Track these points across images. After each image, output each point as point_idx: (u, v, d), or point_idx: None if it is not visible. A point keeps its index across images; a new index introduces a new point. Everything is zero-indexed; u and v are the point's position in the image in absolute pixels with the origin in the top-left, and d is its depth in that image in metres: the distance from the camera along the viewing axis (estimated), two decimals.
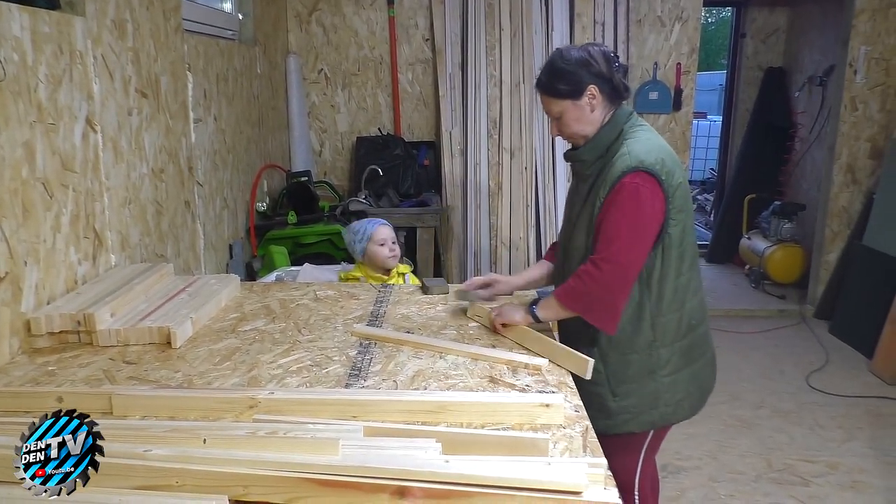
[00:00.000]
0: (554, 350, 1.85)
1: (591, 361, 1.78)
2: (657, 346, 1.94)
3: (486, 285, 2.29)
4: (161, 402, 1.52)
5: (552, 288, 2.08)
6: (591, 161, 1.97)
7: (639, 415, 1.98)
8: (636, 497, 2.11)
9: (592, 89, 1.91)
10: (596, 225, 1.89)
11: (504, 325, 2.01)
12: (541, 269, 2.29)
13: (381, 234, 2.78)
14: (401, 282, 2.81)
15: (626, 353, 1.95)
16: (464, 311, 2.21)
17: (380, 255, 2.78)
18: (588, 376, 1.78)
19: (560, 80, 1.92)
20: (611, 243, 1.83)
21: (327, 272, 3.15)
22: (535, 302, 1.99)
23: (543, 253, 5.05)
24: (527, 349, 1.92)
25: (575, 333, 1.99)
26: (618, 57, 1.97)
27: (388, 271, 2.81)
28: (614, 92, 1.95)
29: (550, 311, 1.96)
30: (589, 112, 1.93)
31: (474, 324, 2.13)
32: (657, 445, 2.11)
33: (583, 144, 1.98)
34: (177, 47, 2.86)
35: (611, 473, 1.24)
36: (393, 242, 2.80)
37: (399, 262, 2.86)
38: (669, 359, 1.96)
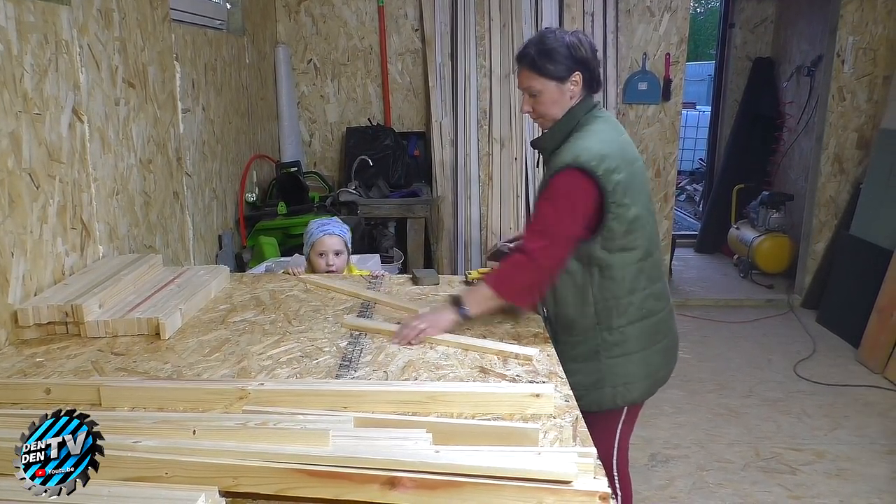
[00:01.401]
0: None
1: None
2: (601, 328, 1.99)
3: (514, 240, 2.29)
4: (150, 394, 1.51)
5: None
6: (549, 149, 2.01)
7: (586, 393, 1.98)
8: (615, 475, 2.14)
9: (577, 76, 1.94)
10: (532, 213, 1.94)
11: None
12: None
13: (321, 245, 2.67)
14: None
15: (572, 333, 2.01)
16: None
17: (316, 266, 2.68)
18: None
19: (550, 59, 1.93)
20: (533, 236, 1.92)
21: None
22: (457, 302, 1.95)
23: None
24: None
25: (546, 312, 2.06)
26: (595, 48, 2.02)
27: None
28: (592, 83, 1.99)
29: (480, 304, 1.95)
30: (568, 98, 1.97)
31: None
32: (629, 430, 2.14)
33: (546, 132, 2.02)
34: (164, 37, 2.83)
35: (600, 462, 1.24)
36: (336, 254, 2.67)
37: (346, 267, 2.76)
38: (615, 342, 2.00)
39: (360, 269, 2.88)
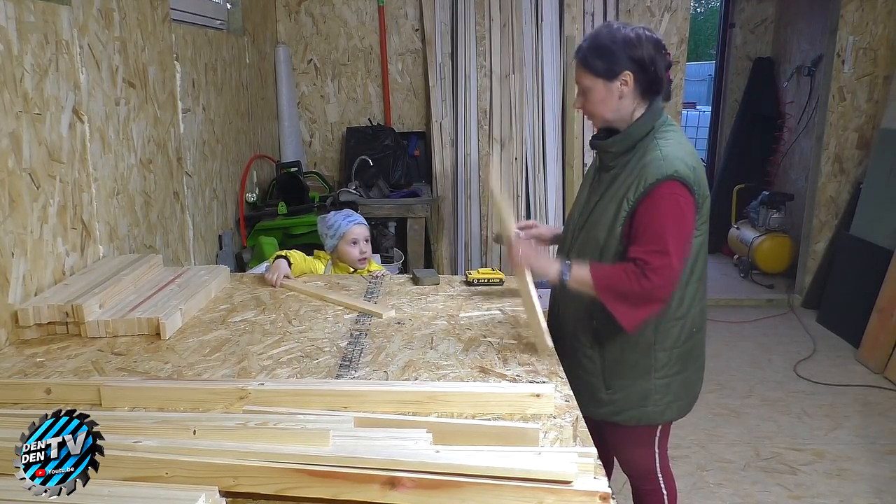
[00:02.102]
0: (532, 319, 1.88)
1: (551, 348, 1.81)
2: (657, 349, 1.93)
3: (525, 228, 2.25)
4: (150, 394, 1.51)
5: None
6: (617, 153, 1.91)
7: (626, 409, 1.99)
8: (659, 479, 2.14)
9: (627, 76, 1.83)
10: (633, 228, 1.83)
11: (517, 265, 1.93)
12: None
13: (354, 233, 2.68)
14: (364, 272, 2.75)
15: (625, 350, 1.94)
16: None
17: (349, 256, 2.69)
18: (544, 354, 1.81)
19: (599, 55, 1.84)
20: (662, 255, 1.77)
21: None
22: (566, 266, 1.88)
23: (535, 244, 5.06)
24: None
25: (579, 321, 1.98)
26: (665, 47, 1.89)
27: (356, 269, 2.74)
28: (651, 84, 1.86)
29: (579, 284, 1.86)
30: (616, 98, 1.86)
31: (465, 314, 2.13)
32: (667, 438, 2.13)
33: (611, 134, 1.93)
34: (164, 37, 2.83)
35: (601, 463, 1.24)
36: (366, 241, 2.71)
37: (368, 261, 2.77)
38: (666, 362, 1.95)
39: (376, 264, 2.90)
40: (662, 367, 1.95)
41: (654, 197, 1.79)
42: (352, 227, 2.71)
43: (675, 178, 1.78)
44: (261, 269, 2.97)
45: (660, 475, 2.15)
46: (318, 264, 2.72)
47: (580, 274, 1.86)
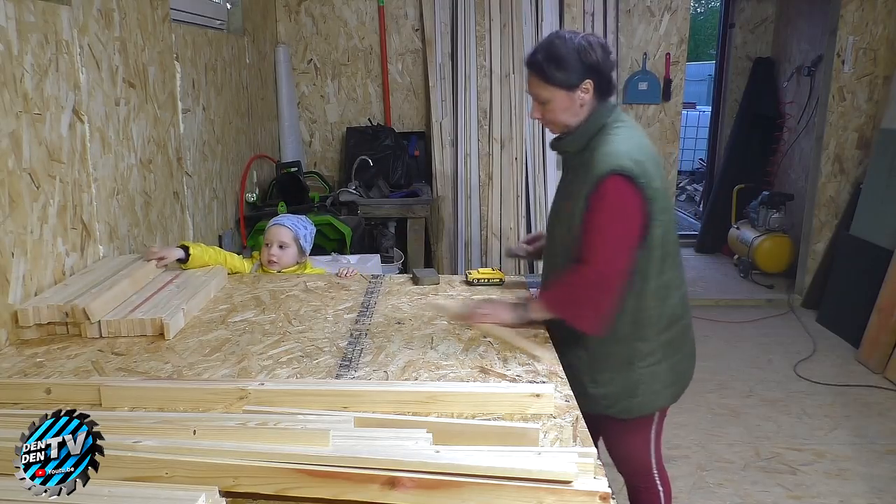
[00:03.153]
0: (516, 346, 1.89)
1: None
2: (636, 339, 1.96)
3: (533, 241, 2.32)
4: (150, 394, 1.51)
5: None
6: (573, 152, 1.97)
7: (617, 402, 2.01)
8: (655, 474, 2.16)
9: (588, 84, 1.88)
10: (581, 226, 1.87)
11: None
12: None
13: (268, 235, 2.68)
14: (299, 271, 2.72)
15: (607, 344, 1.96)
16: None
17: (262, 256, 2.69)
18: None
19: (558, 66, 1.86)
20: (596, 252, 1.84)
21: (317, 263, 3.14)
22: (523, 304, 2.00)
23: None
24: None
25: (561, 322, 1.99)
26: (610, 49, 1.95)
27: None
28: (606, 87, 1.92)
29: (542, 313, 1.97)
30: (578, 105, 1.91)
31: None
32: (661, 431, 2.15)
33: (565, 135, 1.98)
34: (164, 37, 2.83)
35: (600, 463, 1.24)
36: (280, 247, 2.65)
37: (297, 264, 2.72)
38: (650, 351, 1.97)
39: (316, 268, 2.84)
40: (646, 356, 1.97)
41: (598, 195, 1.83)
42: (269, 228, 2.70)
43: (617, 173, 1.80)
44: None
45: (655, 472, 2.16)
46: (246, 263, 2.69)
47: (538, 305, 1.98)
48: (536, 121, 2.01)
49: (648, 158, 1.87)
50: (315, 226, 3.42)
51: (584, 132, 1.92)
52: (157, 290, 2.17)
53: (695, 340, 2.15)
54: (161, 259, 2.34)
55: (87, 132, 2.22)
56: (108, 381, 1.55)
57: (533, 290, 2.24)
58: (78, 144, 2.17)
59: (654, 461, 2.15)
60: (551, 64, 1.87)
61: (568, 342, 1.98)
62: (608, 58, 1.91)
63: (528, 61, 1.94)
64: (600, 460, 1.25)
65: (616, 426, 2.09)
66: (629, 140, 1.88)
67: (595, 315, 1.88)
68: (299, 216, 2.82)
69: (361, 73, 5.14)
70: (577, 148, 1.95)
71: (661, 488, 2.19)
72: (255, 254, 2.80)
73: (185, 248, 2.41)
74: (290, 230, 2.68)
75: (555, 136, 2.03)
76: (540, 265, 3.20)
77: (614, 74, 1.96)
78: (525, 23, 4.88)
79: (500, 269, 2.57)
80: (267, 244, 2.68)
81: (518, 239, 5.03)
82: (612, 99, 1.98)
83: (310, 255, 2.82)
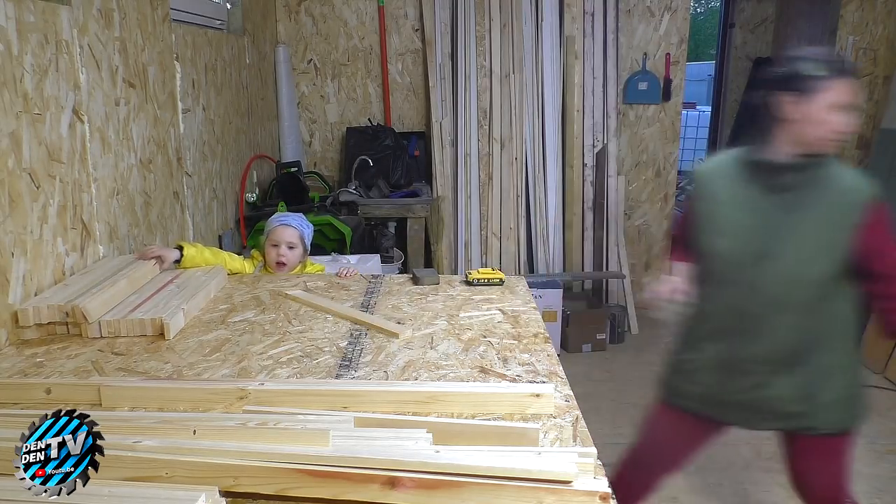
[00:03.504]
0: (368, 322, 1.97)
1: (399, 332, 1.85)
2: (858, 350, 2.08)
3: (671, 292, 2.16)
4: (150, 394, 1.51)
5: None
6: (800, 170, 1.87)
7: (845, 409, 2.01)
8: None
9: None
10: (866, 247, 1.84)
11: None
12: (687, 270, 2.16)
13: (275, 236, 2.67)
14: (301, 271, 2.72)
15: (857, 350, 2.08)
16: None
17: (268, 257, 2.69)
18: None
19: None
20: None
21: (318, 262, 3.14)
22: None
23: (533, 244, 5.06)
24: None
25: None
26: None
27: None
28: None
29: None
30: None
31: (465, 314, 2.13)
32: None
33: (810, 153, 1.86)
34: (164, 37, 2.83)
35: (601, 463, 1.24)
36: (289, 247, 2.66)
37: (299, 266, 2.73)
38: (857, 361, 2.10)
39: (315, 264, 2.84)
40: (857, 364, 2.10)
41: (878, 217, 1.83)
42: (275, 228, 2.68)
43: (874, 195, 1.84)
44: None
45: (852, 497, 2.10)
46: (247, 264, 2.70)
47: None
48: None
49: None
50: (315, 226, 3.43)
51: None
52: (156, 290, 2.17)
53: None
54: (159, 259, 2.34)
55: (87, 132, 2.22)
56: (108, 381, 1.55)
57: (538, 294, 2.16)
58: (78, 144, 2.17)
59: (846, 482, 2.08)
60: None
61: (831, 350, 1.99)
62: None
63: (844, 66, 1.83)
64: (600, 460, 1.25)
65: (830, 442, 2.02)
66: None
67: None
68: (298, 215, 2.82)
69: (361, 73, 5.14)
70: (809, 167, 1.87)
71: None
72: (255, 253, 2.80)
73: (181, 249, 2.41)
74: (296, 230, 2.69)
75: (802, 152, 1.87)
76: (540, 267, 3.14)
77: None
78: (525, 23, 4.88)
79: (499, 269, 2.57)
80: (274, 245, 2.66)
81: (516, 246, 5.03)
82: None
83: (309, 254, 2.82)
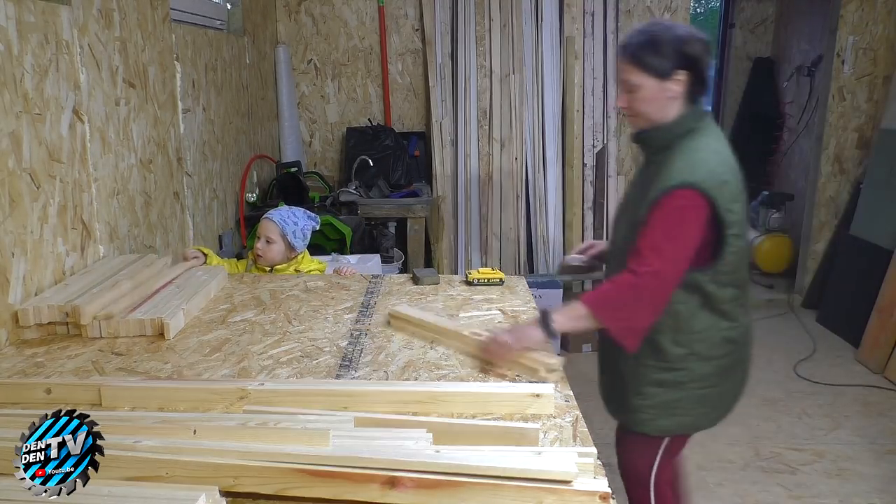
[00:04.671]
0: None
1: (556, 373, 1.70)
2: (693, 359, 1.85)
3: (587, 250, 2.20)
4: (150, 394, 1.51)
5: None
6: (656, 148, 1.85)
7: (656, 418, 1.92)
8: (651, 494, 2.06)
9: (682, 76, 1.75)
10: (639, 230, 1.78)
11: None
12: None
13: (260, 228, 2.71)
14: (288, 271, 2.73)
15: (662, 359, 1.86)
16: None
17: (255, 248, 2.72)
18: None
19: (654, 52, 1.74)
20: (653, 257, 1.73)
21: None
22: (545, 316, 1.78)
23: (533, 244, 5.07)
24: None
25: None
26: (710, 48, 1.83)
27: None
28: (700, 86, 1.81)
29: (573, 320, 1.80)
30: (667, 98, 1.78)
31: (465, 314, 2.13)
32: (677, 451, 2.06)
33: (648, 129, 1.85)
34: (165, 37, 2.83)
35: (601, 463, 1.24)
36: (268, 242, 2.66)
37: (290, 259, 2.74)
38: (704, 374, 1.87)
39: (314, 260, 2.83)
40: (701, 378, 1.88)
41: (661, 203, 1.73)
42: (260, 222, 2.73)
43: (693, 188, 1.71)
44: None
45: (651, 489, 2.05)
46: (240, 265, 2.76)
47: (566, 311, 1.80)
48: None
49: (734, 179, 1.78)
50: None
51: (668, 130, 1.81)
52: (156, 290, 2.17)
53: (749, 370, 2.04)
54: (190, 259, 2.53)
55: (87, 132, 2.22)
56: (108, 381, 1.55)
57: (536, 293, 2.18)
58: (78, 144, 2.17)
59: (652, 479, 2.03)
60: (647, 48, 1.76)
61: (621, 353, 1.87)
62: (707, 55, 1.79)
63: (622, 44, 1.82)
64: (600, 460, 1.25)
65: (633, 437, 2.00)
66: (717, 154, 1.78)
67: (632, 326, 1.78)
68: (295, 209, 2.80)
69: (361, 74, 5.14)
70: (658, 145, 1.84)
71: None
72: (251, 253, 2.81)
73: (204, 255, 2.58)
74: (276, 225, 2.67)
75: (636, 130, 1.91)
76: (540, 267, 3.16)
77: (709, 75, 1.84)
78: (525, 23, 4.88)
79: (499, 269, 2.57)
80: (257, 237, 2.71)
81: (516, 246, 5.04)
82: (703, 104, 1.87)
83: (309, 254, 2.82)
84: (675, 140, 1.80)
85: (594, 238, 4.97)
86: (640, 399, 1.92)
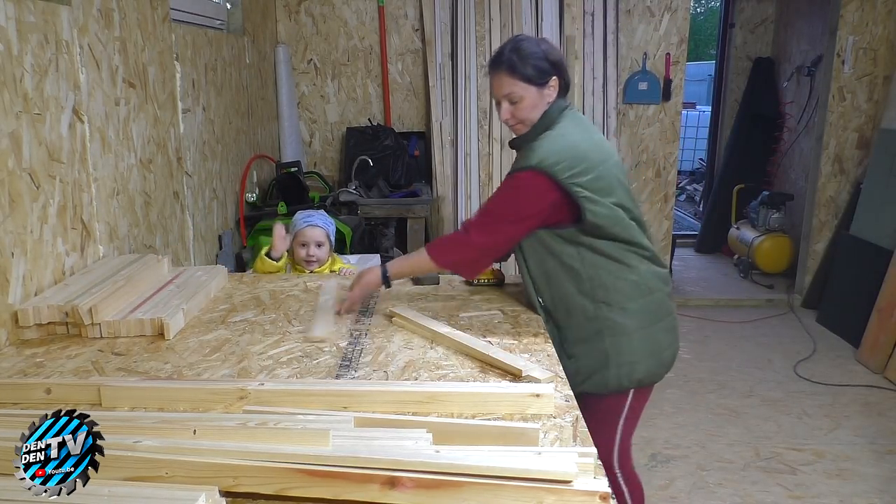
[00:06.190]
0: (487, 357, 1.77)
1: (522, 369, 1.69)
2: (603, 308, 1.99)
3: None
4: (150, 394, 1.51)
5: None
6: (521, 146, 2.05)
7: (591, 375, 2.02)
8: (618, 474, 2.13)
9: (554, 81, 1.99)
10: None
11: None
12: None
13: (303, 236, 2.75)
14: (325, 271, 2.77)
15: (572, 315, 2.02)
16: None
17: (297, 257, 2.77)
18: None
19: (530, 64, 1.96)
20: (481, 220, 2.03)
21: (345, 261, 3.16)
22: (383, 264, 2.15)
23: None
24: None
25: (531, 298, 2.10)
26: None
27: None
28: (566, 85, 2.05)
29: (405, 266, 2.17)
30: (545, 102, 2.00)
31: (465, 314, 2.13)
32: (633, 422, 2.12)
33: (524, 133, 2.04)
34: (164, 37, 2.83)
35: (600, 462, 1.24)
36: (318, 246, 2.75)
37: (329, 260, 2.82)
38: (619, 319, 2.00)
39: (343, 262, 2.91)
40: (615, 324, 2.00)
41: (508, 177, 2.00)
42: (303, 229, 2.76)
43: (534, 169, 1.91)
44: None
45: (618, 470, 2.12)
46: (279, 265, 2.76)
47: (403, 260, 2.22)
48: (512, 126, 2.07)
49: (578, 153, 1.93)
50: None
51: (536, 128, 2.02)
52: (156, 290, 2.17)
53: (676, 317, 2.15)
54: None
55: (87, 132, 2.22)
56: (108, 381, 1.55)
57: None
58: (78, 144, 2.17)
59: (616, 457, 2.11)
60: (525, 61, 1.96)
61: (542, 318, 2.05)
62: (564, 59, 2.09)
63: (495, 60, 2.02)
64: (599, 460, 1.25)
65: (591, 404, 1.97)
66: (561, 138, 1.96)
67: (455, 260, 2.11)
68: (320, 212, 2.91)
69: (361, 73, 5.14)
70: (526, 142, 2.02)
71: (625, 488, 2.15)
72: (289, 258, 2.83)
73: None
74: (323, 229, 2.79)
75: (513, 138, 2.11)
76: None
77: (569, 76, 2.08)
78: (525, 23, 4.88)
79: (499, 269, 2.56)
80: (303, 244, 2.75)
81: None
82: (562, 100, 2.07)
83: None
84: (539, 134, 2.00)
85: None
86: (572, 361, 2.02)
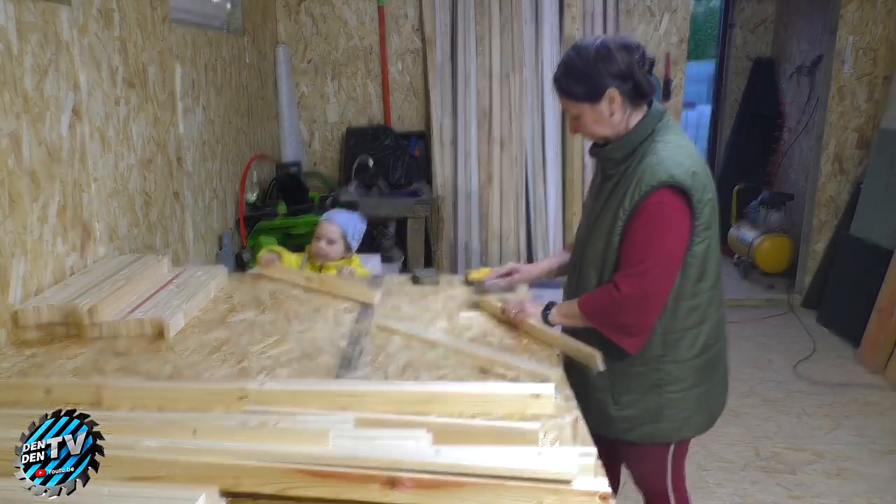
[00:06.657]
0: (564, 344, 1.85)
1: (599, 354, 1.74)
2: (667, 361, 1.85)
3: (507, 274, 2.26)
4: (150, 394, 1.51)
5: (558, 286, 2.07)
6: (617, 160, 1.85)
7: (639, 426, 1.90)
8: (671, 499, 2.04)
9: (612, 93, 1.77)
10: (621, 239, 1.79)
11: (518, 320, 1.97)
12: (560, 258, 2.27)
13: (318, 230, 2.82)
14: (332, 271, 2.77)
15: (634, 364, 1.85)
16: (475, 305, 2.18)
17: (312, 247, 2.82)
18: (601, 368, 1.74)
19: (577, 81, 1.79)
20: (644, 266, 1.74)
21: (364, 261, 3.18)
22: (548, 307, 1.93)
23: (533, 244, 5.07)
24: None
25: (583, 334, 1.88)
26: (640, 47, 1.81)
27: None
28: (636, 91, 1.79)
29: (565, 318, 1.91)
30: (608, 116, 1.80)
31: (465, 314, 2.13)
32: (681, 459, 2.03)
33: (610, 142, 1.86)
34: (164, 37, 2.83)
35: (601, 462, 1.24)
36: (329, 242, 2.78)
37: (342, 258, 2.83)
38: (680, 376, 1.86)
39: (365, 268, 2.91)
40: (676, 380, 1.86)
41: (643, 207, 1.74)
42: (321, 222, 2.84)
43: (668, 185, 1.71)
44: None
45: (671, 494, 2.03)
46: (294, 259, 2.82)
47: (566, 309, 1.92)
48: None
49: (701, 169, 1.77)
50: (315, 226, 3.41)
51: (628, 140, 1.82)
52: (156, 290, 2.17)
53: (728, 366, 2.03)
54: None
55: (87, 132, 2.22)
56: (108, 381, 1.55)
57: (539, 294, 2.23)
58: (78, 144, 2.17)
59: (670, 486, 2.02)
60: (570, 80, 1.80)
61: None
62: (633, 58, 1.77)
63: (553, 79, 1.87)
64: (599, 460, 1.25)
65: (634, 451, 1.99)
66: (680, 149, 1.77)
67: (638, 332, 1.79)
68: (352, 213, 2.95)
69: (361, 74, 5.14)
70: (620, 156, 1.84)
71: None
72: (307, 247, 2.90)
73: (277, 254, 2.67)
74: (338, 227, 2.81)
75: (594, 144, 1.93)
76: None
77: (649, 74, 1.82)
78: (525, 23, 4.87)
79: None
80: (318, 237, 2.80)
81: (516, 246, 5.03)
82: (659, 103, 1.88)
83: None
84: (637, 147, 1.82)
85: None
86: (618, 409, 1.91)
